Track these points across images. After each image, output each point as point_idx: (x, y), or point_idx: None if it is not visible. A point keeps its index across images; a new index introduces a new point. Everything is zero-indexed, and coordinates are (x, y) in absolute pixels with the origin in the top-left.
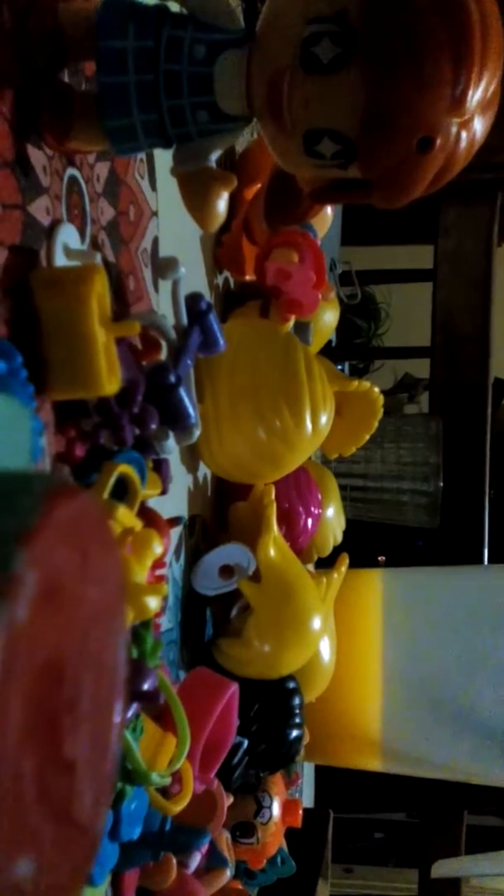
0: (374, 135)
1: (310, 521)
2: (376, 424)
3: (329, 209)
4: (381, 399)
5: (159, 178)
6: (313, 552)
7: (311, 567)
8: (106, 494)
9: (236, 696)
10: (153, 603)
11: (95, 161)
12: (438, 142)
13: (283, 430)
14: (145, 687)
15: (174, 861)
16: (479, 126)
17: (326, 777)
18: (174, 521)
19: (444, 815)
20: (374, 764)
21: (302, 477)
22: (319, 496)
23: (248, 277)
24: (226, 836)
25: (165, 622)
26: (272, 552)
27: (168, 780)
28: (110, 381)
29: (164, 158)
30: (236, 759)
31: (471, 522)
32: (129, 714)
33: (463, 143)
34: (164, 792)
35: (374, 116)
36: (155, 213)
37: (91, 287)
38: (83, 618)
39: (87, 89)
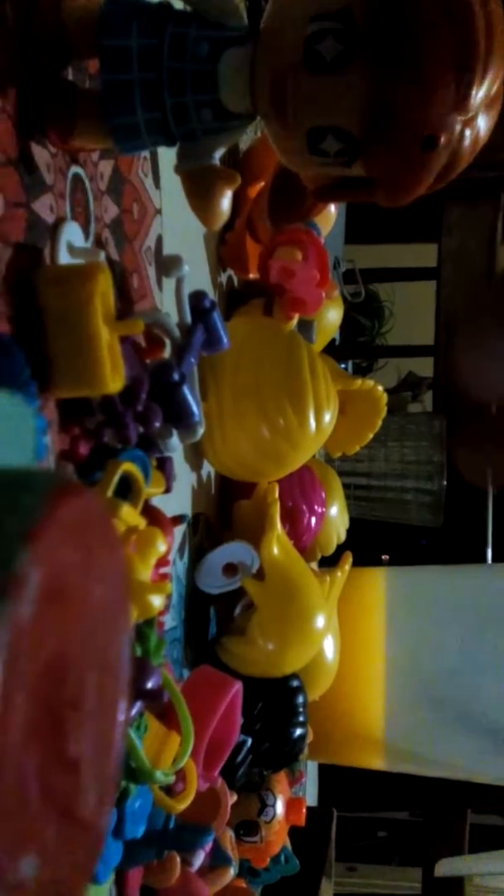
0: (377, 133)
1: (313, 520)
2: (380, 423)
3: (332, 207)
4: (384, 397)
5: (163, 176)
6: (317, 550)
7: (314, 565)
8: (110, 493)
9: (240, 695)
10: (157, 601)
11: (99, 159)
12: (442, 140)
13: (287, 428)
14: (149, 685)
15: (178, 859)
16: (483, 124)
17: (330, 776)
18: (178, 520)
19: (447, 814)
20: (378, 762)
21: (306, 475)
22: (323, 494)
23: (251, 275)
24: (229, 835)
25: (169, 620)
26: (276, 550)
27: (172, 779)
28: (114, 379)
29: (167, 156)
30: (240, 758)
31: (474, 521)
32: (133, 712)
33: (467, 141)
34: (168, 790)
35: (378, 114)
36: (159, 211)
37: (95, 285)
38: (87, 616)
39: (91, 87)
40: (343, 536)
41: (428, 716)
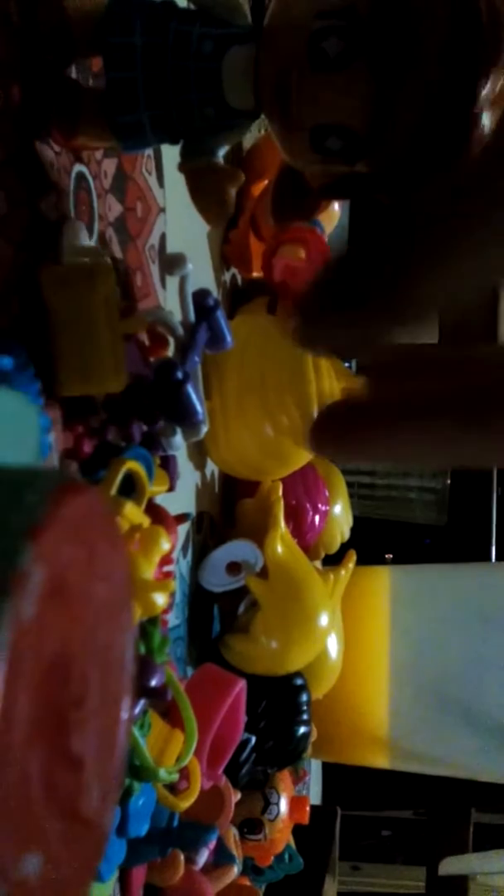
0: (381, 131)
1: (317, 518)
2: None
3: (336, 205)
4: None
5: (167, 174)
6: (321, 549)
7: (318, 564)
8: (113, 491)
9: (244, 693)
10: (160, 599)
11: (103, 157)
12: None
13: (291, 426)
14: (153, 683)
15: (182, 857)
16: (488, 122)
17: (334, 774)
18: (182, 518)
19: (451, 813)
20: (382, 761)
21: (309, 474)
22: (327, 493)
23: (255, 274)
24: (233, 833)
25: (173, 618)
26: (279, 549)
27: (176, 777)
28: (118, 377)
29: (171, 155)
30: (244, 756)
31: (478, 520)
32: (137, 710)
33: None
34: (172, 788)
35: (382, 112)
36: (162, 210)
37: (99, 284)
38: (91, 614)
39: (95, 85)
40: (347, 535)
41: (432, 714)
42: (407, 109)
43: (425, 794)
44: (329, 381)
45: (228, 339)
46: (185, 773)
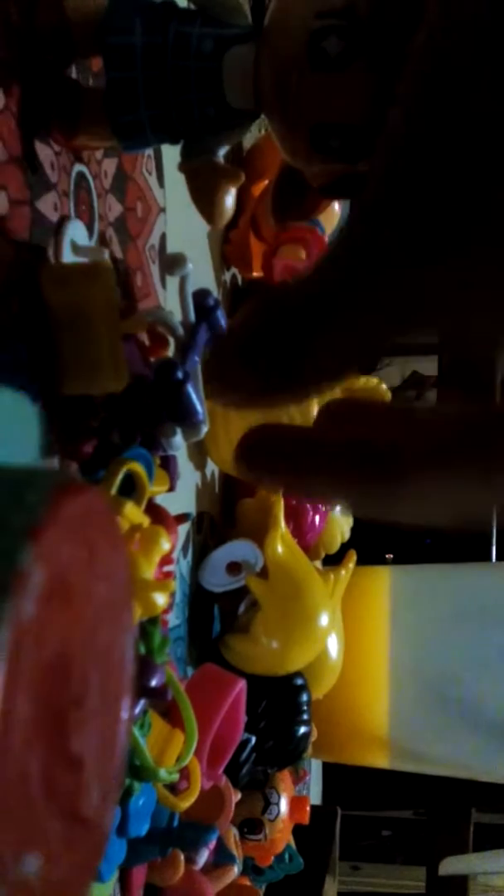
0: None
1: (317, 518)
2: None
3: (337, 205)
4: (388, 396)
5: (167, 174)
6: (321, 549)
7: (318, 564)
8: (113, 491)
9: (244, 693)
10: (161, 599)
11: (103, 157)
12: None
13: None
14: (153, 683)
15: (182, 857)
16: None
17: (334, 774)
18: (182, 518)
19: (451, 813)
20: (382, 761)
21: None
22: None
23: (255, 274)
24: (233, 833)
25: (173, 618)
26: (280, 549)
27: (176, 777)
28: (118, 377)
29: (171, 154)
30: (244, 756)
31: None
32: (137, 710)
33: None
34: (172, 788)
35: (382, 111)
36: (163, 210)
37: (99, 284)
38: (90, 614)
39: (95, 85)
40: (347, 535)
41: (432, 714)
42: None
43: (425, 794)
44: None
45: None
46: (185, 773)
